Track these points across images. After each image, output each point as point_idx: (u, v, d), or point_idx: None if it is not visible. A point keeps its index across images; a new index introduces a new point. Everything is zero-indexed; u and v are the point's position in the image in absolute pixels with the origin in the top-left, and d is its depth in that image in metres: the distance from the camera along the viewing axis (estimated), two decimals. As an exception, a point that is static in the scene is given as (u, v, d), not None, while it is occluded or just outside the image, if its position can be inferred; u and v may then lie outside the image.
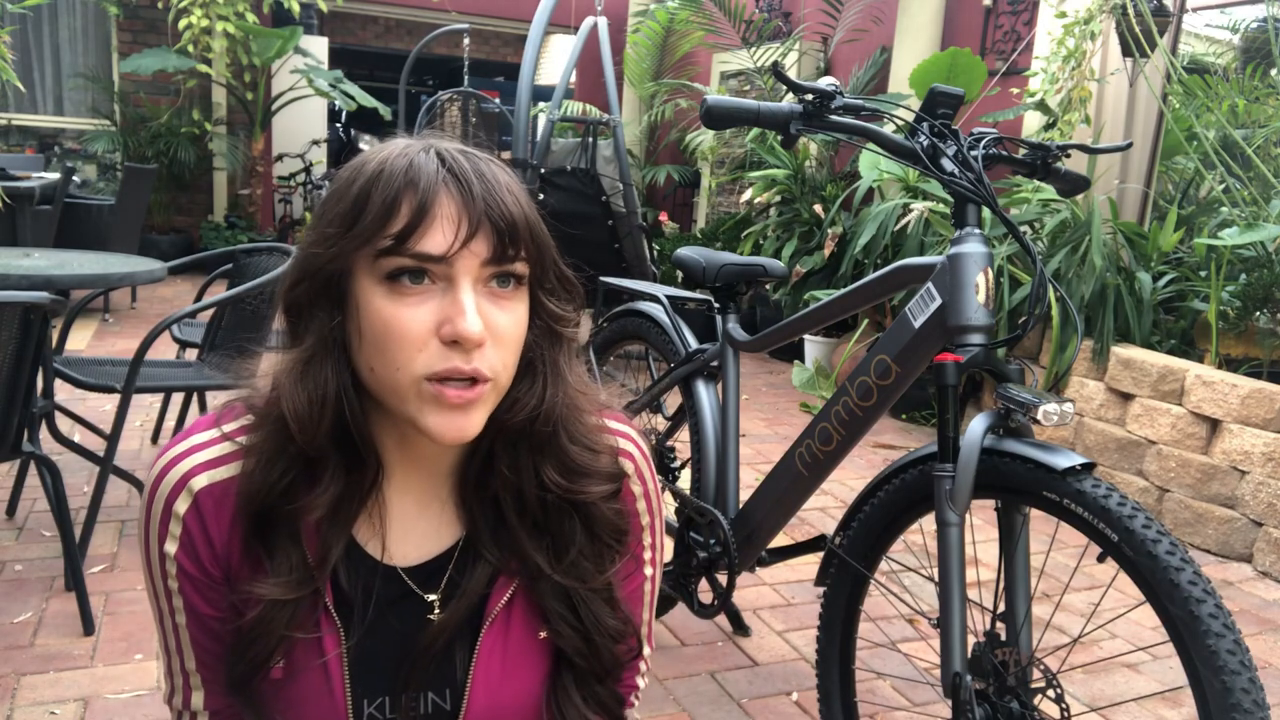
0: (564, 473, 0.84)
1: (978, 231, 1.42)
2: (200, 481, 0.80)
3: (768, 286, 4.30)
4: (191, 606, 0.82)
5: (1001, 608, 1.39)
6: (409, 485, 0.85)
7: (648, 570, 0.97)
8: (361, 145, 12.28)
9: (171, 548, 0.80)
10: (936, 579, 1.37)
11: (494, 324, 0.75)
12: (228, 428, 0.82)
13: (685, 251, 2.07)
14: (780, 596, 2.53)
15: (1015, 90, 4.52)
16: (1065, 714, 1.33)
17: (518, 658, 0.87)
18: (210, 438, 0.82)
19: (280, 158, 8.66)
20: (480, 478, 0.85)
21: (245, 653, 0.79)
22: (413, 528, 0.85)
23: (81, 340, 4.88)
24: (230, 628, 0.81)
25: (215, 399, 3.50)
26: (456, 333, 0.73)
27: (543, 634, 0.87)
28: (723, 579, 1.89)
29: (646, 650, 1.00)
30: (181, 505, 0.80)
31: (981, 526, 2.16)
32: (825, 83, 1.46)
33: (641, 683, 1.02)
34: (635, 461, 0.93)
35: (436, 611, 0.84)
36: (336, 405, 0.77)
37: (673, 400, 2.19)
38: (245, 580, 0.80)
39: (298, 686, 0.82)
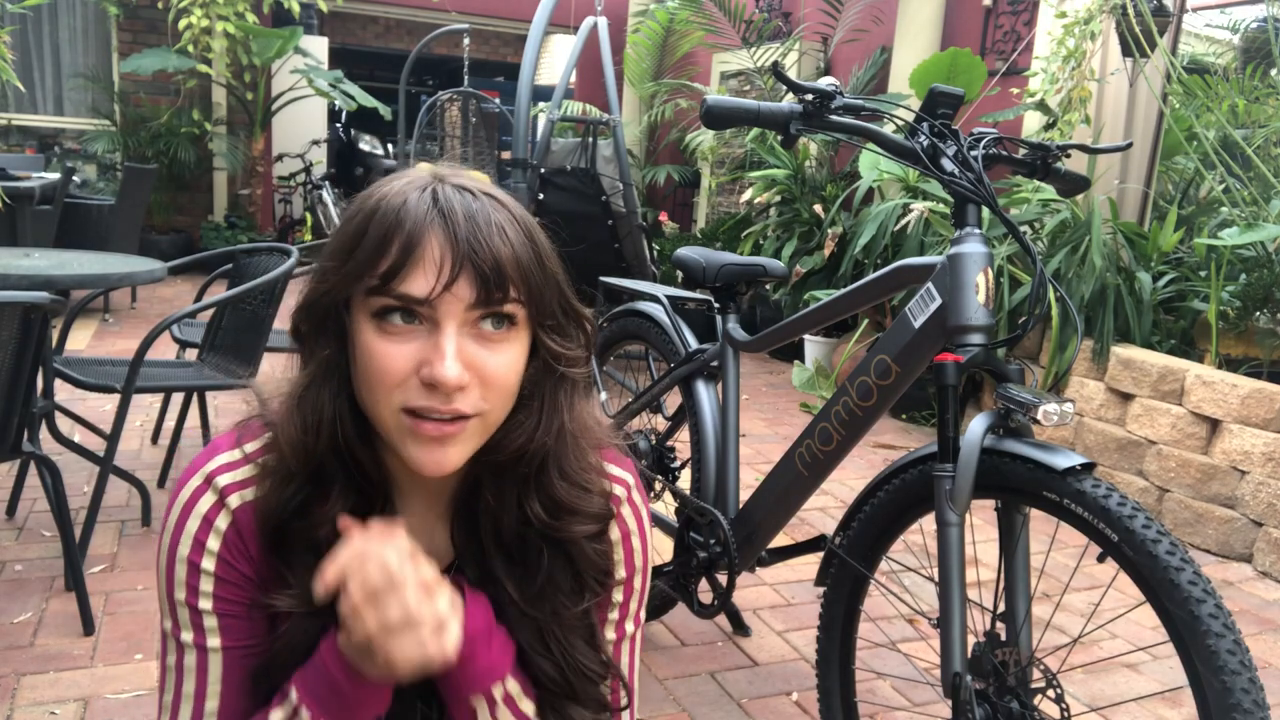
0: (550, 509, 0.84)
1: (978, 231, 1.42)
2: (234, 501, 0.82)
3: (768, 286, 4.30)
4: (229, 615, 0.82)
5: (1001, 608, 1.39)
6: (413, 507, 0.86)
7: (610, 634, 0.93)
8: (361, 145, 12.28)
9: (210, 564, 0.81)
10: (936, 579, 1.37)
11: (481, 366, 0.76)
12: (249, 448, 0.83)
13: (685, 251, 2.07)
14: (780, 596, 2.53)
15: (1015, 90, 4.52)
16: (1065, 714, 1.33)
17: None
18: (234, 459, 0.83)
19: (280, 158, 8.67)
20: (467, 504, 0.85)
21: (285, 662, 0.81)
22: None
23: (81, 340, 4.88)
24: (263, 645, 0.82)
25: (215, 399, 3.50)
26: (433, 377, 0.73)
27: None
28: (723, 579, 1.89)
29: None
30: (223, 522, 0.81)
31: (981, 526, 2.16)
32: (825, 83, 1.46)
33: None
34: (620, 506, 0.91)
35: None
36: (331, 429, 0.79)
37: (673, 400, 2.19)
38: (274, 593, 0.81)
39: None
